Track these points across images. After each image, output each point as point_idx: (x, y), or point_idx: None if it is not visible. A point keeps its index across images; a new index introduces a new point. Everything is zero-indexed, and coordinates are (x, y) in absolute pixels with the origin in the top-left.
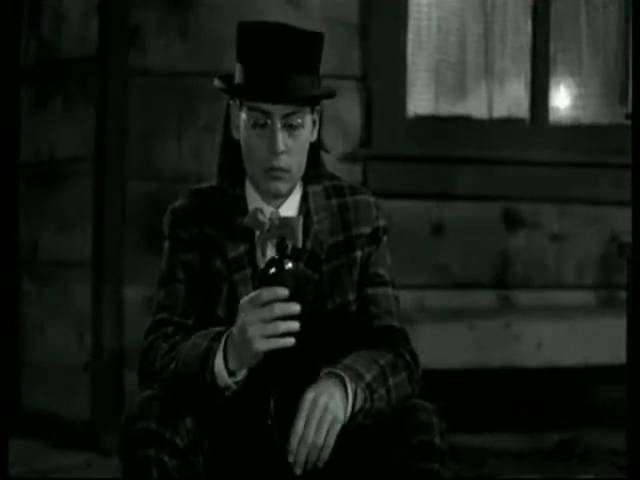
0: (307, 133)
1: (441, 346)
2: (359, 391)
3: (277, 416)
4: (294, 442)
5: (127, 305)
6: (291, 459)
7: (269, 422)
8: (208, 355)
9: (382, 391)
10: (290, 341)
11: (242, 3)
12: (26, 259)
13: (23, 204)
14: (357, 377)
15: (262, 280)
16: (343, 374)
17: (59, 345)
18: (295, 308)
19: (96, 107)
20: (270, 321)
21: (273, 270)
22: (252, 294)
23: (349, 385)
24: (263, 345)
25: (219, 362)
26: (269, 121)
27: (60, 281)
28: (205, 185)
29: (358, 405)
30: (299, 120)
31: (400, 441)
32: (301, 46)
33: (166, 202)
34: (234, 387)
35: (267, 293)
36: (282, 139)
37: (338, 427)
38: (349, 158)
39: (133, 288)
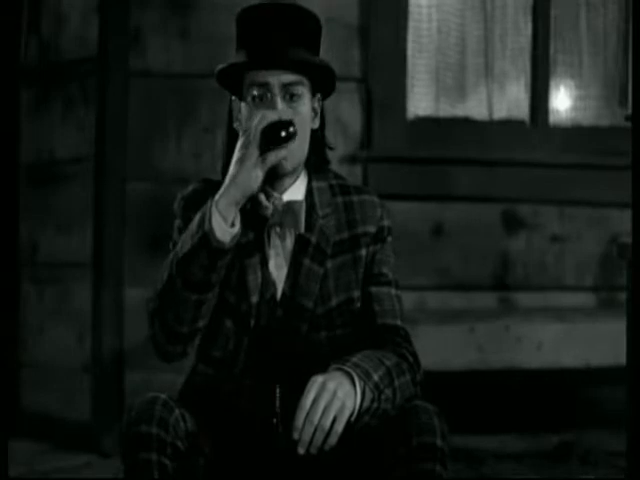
0: (307, 109)
1: (441, 348)
2: (367, 390)
3: (283, 414)
4: (300, 418)
5: (127, 306)
6: (296, 436)
7: (275, 420)
8: (204, 218)
9: (388, 392)
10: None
11: (242, 4)
12: (26, 260)
13: (23, 205)
14: (366, 376)
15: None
16: (352, 372)
17: (59, 346)
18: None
19: (96, 108)
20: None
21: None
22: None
23: (357, 383)
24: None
25: (216, 219)
26: (268, 94)
27: (60, 282)
28: (213, 178)
29: (366, 404)
30: (298, 91)
31: (401, 442)
32: (295, 19)
33: (166, 203)
34: (234, 238)
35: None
36: (282, 108)
37: (347, 415)
38: (349, 159)
39: (133, 289)
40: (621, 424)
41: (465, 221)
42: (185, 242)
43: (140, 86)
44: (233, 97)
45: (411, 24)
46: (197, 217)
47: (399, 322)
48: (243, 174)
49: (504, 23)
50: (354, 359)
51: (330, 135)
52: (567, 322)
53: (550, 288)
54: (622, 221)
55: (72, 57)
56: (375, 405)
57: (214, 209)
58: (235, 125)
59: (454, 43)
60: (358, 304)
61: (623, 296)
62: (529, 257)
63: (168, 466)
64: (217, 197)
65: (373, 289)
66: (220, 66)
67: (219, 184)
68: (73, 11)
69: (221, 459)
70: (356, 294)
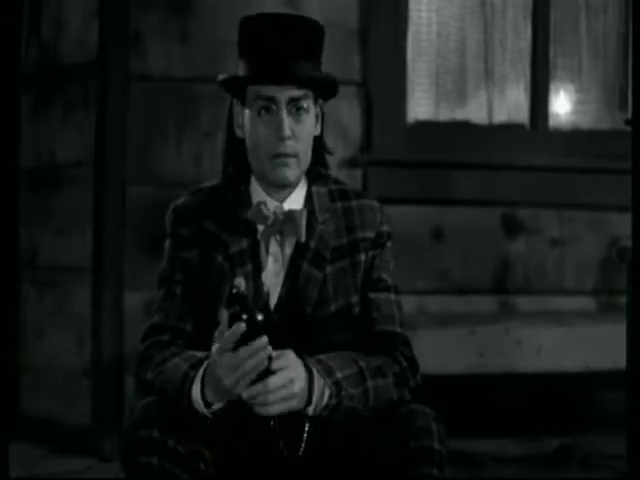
0: (312, 120)
1: (441, 351)
2: (326, 387)
3: (280, 418)
4: (265, 385)
5: (127, 310)
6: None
7: (272, 423)
8: (184, 382)
9: (354, 391)
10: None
11: (242, 8)
12: (26, 264)
13: (23, 209)
14: (327, 373)
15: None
16: (313, 368)
17: (59, 350)
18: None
19: (96, 112)
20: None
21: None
22: (229, 348)
23: (316, 380)
24: (234, 385)
25: (196, 391)
26: (274, 107)
27: (60, 286)
28: (208, 184)
29: (324, 400)
30: (304, 105)
31: (399, 446)
32: (301, 32)
33: (166, 207)
34: (210, 416)
35: (244, 351)
36: (288, 124)
37: (291, 404)
38: (349, 163)
39: (133, 293)
40: (621, 427)
41: (465, 225)
42: (170, 383)
43: (140, 89)
44: (234, 100)
45: (411, 28)
46: (180, 374)
47: (398, 328)
48: (221, 382)
49: (504, 27)
50: (322, 357)
51: (330, 139)
52: (567, 326)
53: (550, 292)
54: (622, 224)
55: (72, 60)
56: (334, 401)
57: (198, 397)
58: (237, 132)
59: (454, 47)
60: (357, 309)
61: (623, 300)
62: (529, 261)
63: (169, 470)
64: (205, 389)
65: (372, 295)
66: (224, 77)
67: (213, 190)
68: (73, 14)
69: (221, 464)
70: (355, 299)
